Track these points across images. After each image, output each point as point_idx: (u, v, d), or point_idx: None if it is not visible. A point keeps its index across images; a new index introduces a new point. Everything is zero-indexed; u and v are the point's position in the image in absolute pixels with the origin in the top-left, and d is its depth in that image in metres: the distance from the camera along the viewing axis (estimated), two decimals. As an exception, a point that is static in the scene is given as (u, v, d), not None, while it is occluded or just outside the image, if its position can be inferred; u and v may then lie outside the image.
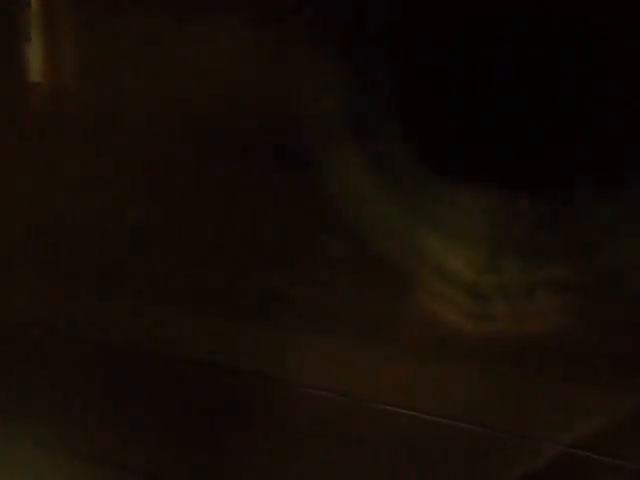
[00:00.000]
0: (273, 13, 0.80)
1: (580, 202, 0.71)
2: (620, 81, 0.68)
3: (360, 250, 0.79)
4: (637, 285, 0.70)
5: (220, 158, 0.87)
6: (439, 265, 0.78)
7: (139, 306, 0.93)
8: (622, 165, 0.69)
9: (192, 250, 0.91)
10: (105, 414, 0.95)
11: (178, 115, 0.88)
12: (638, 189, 0.68)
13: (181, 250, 0.91)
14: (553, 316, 0.74)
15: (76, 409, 0.96)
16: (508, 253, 0.75)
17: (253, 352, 0.88)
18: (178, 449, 0.92)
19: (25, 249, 0.99)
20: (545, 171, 0.72)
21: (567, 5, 0.68)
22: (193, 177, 0.89)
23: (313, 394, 0.84)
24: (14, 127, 0.97)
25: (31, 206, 0.97)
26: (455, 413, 0.78)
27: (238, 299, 0.89)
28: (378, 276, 0.80)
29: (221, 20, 0.83)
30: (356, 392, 0.82)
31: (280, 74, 0.81)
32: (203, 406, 0.90)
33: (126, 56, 0.89)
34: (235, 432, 0.89)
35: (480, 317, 0.76)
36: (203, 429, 0.91)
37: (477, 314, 0.76)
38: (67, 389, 0.96)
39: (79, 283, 0.97)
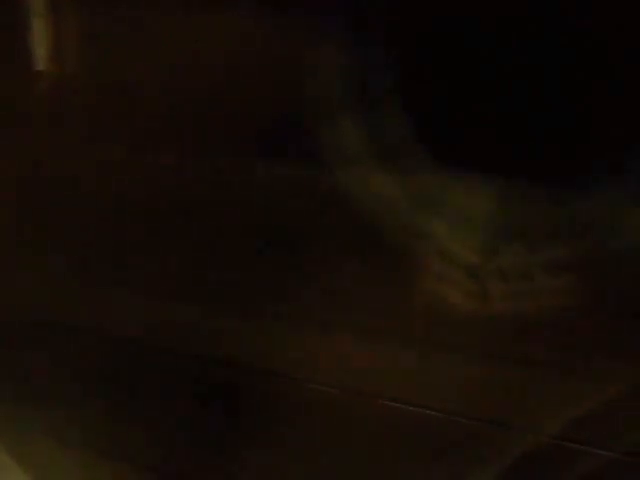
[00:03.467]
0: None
1: (578, 186, 0.71)
2: (614, 74, 0.68)
3: (362, 237, 0.80)
4: (634, 268, 0.70)
5: (223, 148, 0.87)
6: (441, 248, 0.78)
7: (142, 302, 0.93)
8: (618, 150, 0.68)
9: (190, 246, 0.91)
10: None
11: (180, 100, 0.87)
12: (633, 174, 0.68)
13: (178, 246, 0.91)
14: (550, 299, 0.74)
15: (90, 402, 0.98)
16: (506, 236, 0.75)
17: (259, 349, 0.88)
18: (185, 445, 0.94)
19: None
20: (543, 156, 0.72)
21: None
22: (194, 165, 0.88)
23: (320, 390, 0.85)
24: (17, 114, 0.97)
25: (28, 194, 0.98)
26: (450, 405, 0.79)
27: (238, 295, 0.89)
28: (380, 263, 0.80)
29: (220, 5, 0.83)
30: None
31: (280, 59, 0.81)
32: (211, 403, 0.91)
33: (126, 45, 0.89)
34: (241, 429, 0.90)
35: (478, 300, 0.76)
36: (211, 427, 0.92)
37: (476, 296, 0.76)
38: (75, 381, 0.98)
39: (70, 271, 0.97)
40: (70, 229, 0.97)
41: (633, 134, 0.68)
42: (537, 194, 0.73)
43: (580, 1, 0.66)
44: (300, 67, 0.79)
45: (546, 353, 0.75)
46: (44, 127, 0.96)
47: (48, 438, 1.00)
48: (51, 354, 0.99)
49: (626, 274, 0.70)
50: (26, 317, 1.00)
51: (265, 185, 0.84)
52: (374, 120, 0.78)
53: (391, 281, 0.80)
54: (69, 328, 0.97)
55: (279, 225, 0.85)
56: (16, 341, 1.01)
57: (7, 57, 0.95)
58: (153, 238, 0.92)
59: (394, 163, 0.78)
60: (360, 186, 0.79)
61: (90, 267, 0.96)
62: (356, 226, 0.79)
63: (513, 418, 0.76)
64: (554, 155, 0.71)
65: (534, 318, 0.74)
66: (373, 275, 0.81)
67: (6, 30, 0.94)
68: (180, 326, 0.91)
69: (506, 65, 0.70)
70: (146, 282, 0.93)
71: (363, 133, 0.78)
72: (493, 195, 0.74)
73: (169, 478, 0.95)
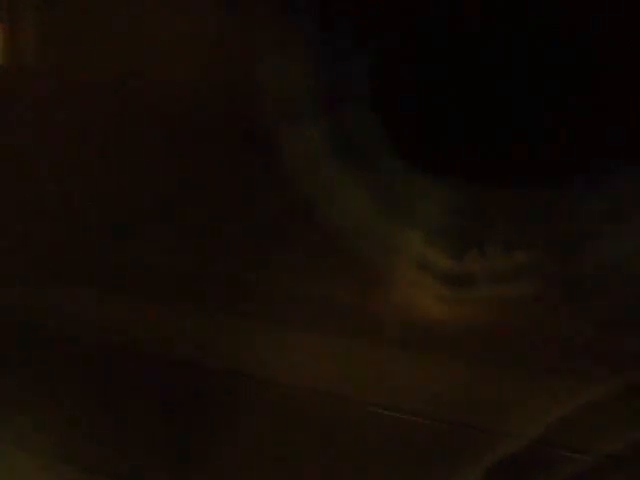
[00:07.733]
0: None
1: (549, 195, 0.71)
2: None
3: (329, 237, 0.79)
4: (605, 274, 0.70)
5: (190, 141, 0.86)
6: (411, 252, 0.78)
7: (100, 297, 0.92)
8: (588, 159, 0.69)
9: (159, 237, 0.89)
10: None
11: (146, 96, 0.86)
12: (603, 181, 0.69)
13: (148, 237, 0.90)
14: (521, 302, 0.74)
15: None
16: (477, 242, 0.75)
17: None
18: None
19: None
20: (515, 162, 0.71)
21: None
22: (160, 159, 0.87)
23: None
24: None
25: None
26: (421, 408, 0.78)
27: (204, 287, 0.87)
28: (347, 263, 0.79)
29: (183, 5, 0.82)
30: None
31: (247, 55, 0.80)
32: (173, 403, 0.90)
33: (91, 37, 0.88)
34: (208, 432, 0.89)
35: (450, 304, 0.76)
36: (172, 428, 0.90)
37: (448, 301, 0.76)
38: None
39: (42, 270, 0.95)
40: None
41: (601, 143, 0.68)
42: (508, 198, 0.73)
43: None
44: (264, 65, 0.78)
45: (523, 356, 0.74)
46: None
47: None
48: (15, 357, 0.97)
49: (597, 279, 0.71)
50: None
51: (234, 187, 0.83)
52: (341, 124, 0.77)
53: (360, 284, 0.80)
54: (33, 330, 0.95)
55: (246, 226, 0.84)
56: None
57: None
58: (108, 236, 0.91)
59: (362, 166, 0.77)
60: (328, 191, 0.78)
61: (48, 265, 0.95)
62: (323, 230, 0.78)
63: (491, 422, 0.75)
64: (525, 160, 0.71)
65: (506, 321, 0.74)
66: (341, 278, 0.80)
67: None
68: (142, 326, 0.90)
69: (476, 68, 0.70)
70: (104, 281, 0.92)
71: (330, 137, 0.78)
72: (463, 199, 0.74)
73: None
